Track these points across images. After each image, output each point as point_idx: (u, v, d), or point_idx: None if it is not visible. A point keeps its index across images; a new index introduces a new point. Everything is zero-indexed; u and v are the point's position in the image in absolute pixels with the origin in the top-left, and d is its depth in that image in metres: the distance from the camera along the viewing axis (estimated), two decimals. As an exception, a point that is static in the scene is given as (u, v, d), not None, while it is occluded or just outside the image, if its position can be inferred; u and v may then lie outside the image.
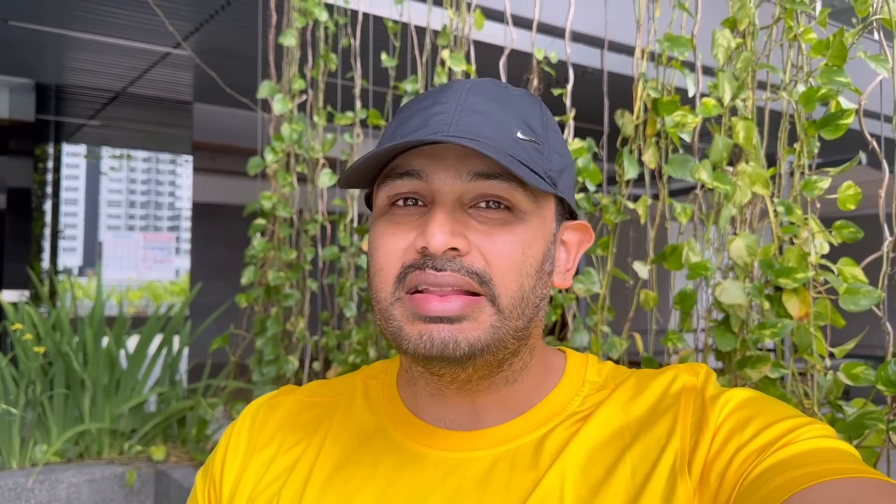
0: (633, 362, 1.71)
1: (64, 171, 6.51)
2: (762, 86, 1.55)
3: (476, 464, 0.64)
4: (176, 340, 3.33)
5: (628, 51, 1.77)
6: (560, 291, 1.77)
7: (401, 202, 0.64)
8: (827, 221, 1.38)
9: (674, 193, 1.66)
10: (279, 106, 2.55)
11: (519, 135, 0.63)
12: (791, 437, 0.56)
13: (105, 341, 3.08)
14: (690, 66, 1.62)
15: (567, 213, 0.70)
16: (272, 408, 0.75)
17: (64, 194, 6.06)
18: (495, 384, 0.66)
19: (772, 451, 0.55)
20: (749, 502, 0.53)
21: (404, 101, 2.34)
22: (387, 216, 0.64)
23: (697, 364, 0.68)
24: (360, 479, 0.66)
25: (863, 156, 1.37)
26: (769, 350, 1.40)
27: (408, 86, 2.35)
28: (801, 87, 1.36)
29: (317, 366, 2.68)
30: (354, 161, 0.63)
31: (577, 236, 0.71)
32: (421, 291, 0.61)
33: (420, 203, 0.63)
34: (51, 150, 6.65)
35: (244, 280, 2.65)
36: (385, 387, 0.73)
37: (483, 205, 0.62)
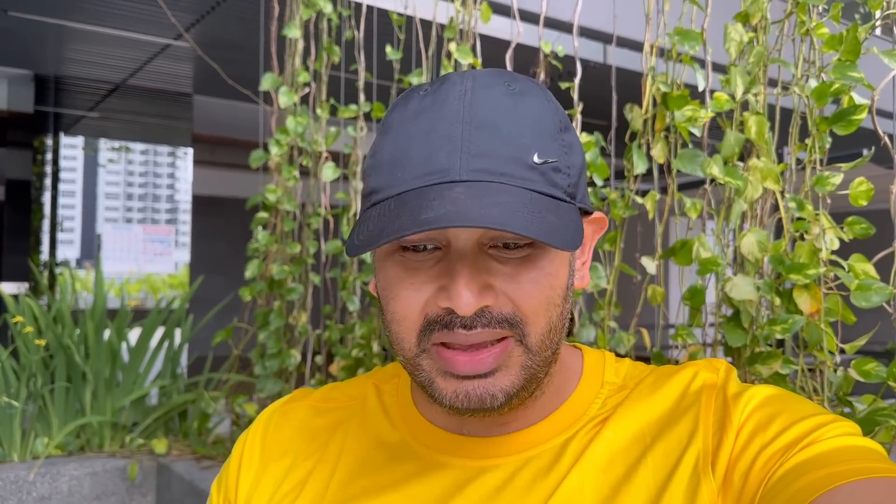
0: (641, 357, 1.70)
1: (62, 163, 6.50)
2: (773, 83, 1.54)
3: (497, 471, 0.63)
4: (177, 334, 3.32)
5: (635, 45, 1.77)
6: (567, 286, 1.76)
7: (411, 246, 0.59)
8: (836, 216, 1.38)
9: (682, 187, 1.65)
10: (284, 99, 2.54)
11: (535, 158, 0.58)
12: (815, 435, 0.55)
13: (107, 334, 3.07)
14: (700, 62, 1.61)
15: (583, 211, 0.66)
16: (285, 415, 0.74)
17: (62, 186, 6.05)
18: (524, 404, 0.64)
19: (796, 450, 0.54)
20: (774, 502, 0.52)
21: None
22: (397, 257, 0.59)
23: (717, 360, 0.67)
24: (378, 488, 0.65)
25: (864, 151, 1.36)
26: (778, 345, 1.40)
27: (413, 79, 2.34)
28: (812, 83, 1.35)
29: (319, 360, 2.68)
30: (372, 239, 0.56)
31: (592, 228, 0.69)
32: (447, 343, 0.58)
33: (432, 246, 0.58)
34: (50, 141, 6.63)
35: (248, 274, 2.64)
36: (399, 392, 0.72)
37: (500, 243, 0.58)
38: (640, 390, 0.65)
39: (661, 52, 1.66)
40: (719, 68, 1.56)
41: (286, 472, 0.69)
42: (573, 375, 0.68)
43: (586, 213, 0.67)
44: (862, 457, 0.52)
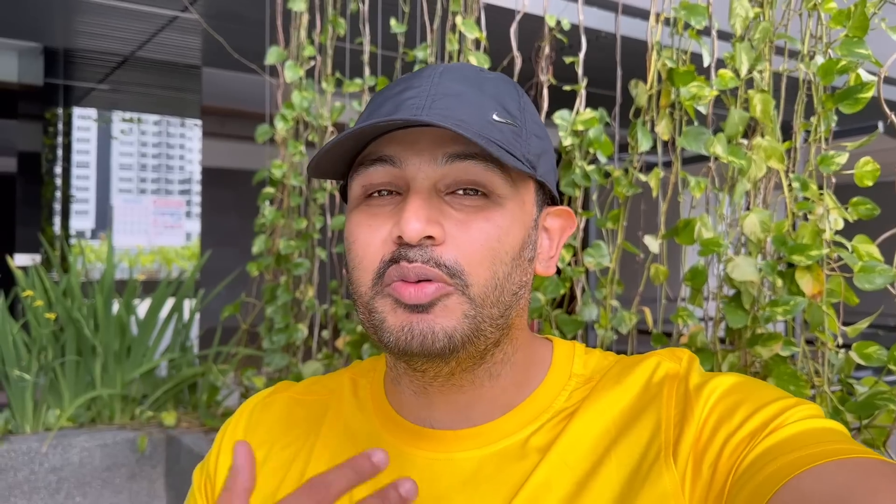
0: (643, 331, 1.70)
1: (76, 135, 6.53)
2: (780, 51, 1.51)
3: (463, 465, 0.63)
4: (186, 306, 3.34)
5: (643, 14, 1.73)
6: (569, 264, 1.75)
7: (375, 193, 0.63)
8: (840, 187, 1.35)
9: (687, 161, 1.63)
10: (290, 73, 2.52)
11: (494, 116, 0.62)
12: (780, 420, 0.56)
13: (116, 307, 3.10)
14: (706, 31, 1.58)
15: (548, 198, 0.69)
16: (266, 406, 0.75)
17: (76, 157, 6.10)
18: (479, 378, 0.65)
19: (762, 436, 0.55)
20: (745, 490, 0.53)
21: (415, 68, 2.30)
22: (362, 206, 0.63)
23: (679, 349, 0.67)
24: None
25: (880, 124, 1.33)
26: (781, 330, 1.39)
27: (418, 53, 2.31)
28: (819, 59, 1.33)
29: (326, 334, 2.69)
30: (322, 146, 0.61)
31: (560, 222, 0.70)
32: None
33: (396, 193, 0.62)
34: (60, 113, 6.63)
35: (255, 249, 2.65)
36: (373, 385, 0.73)
37: (460, 192, 0.61)
38: (604, 383, 0.66)
39: (668, 22, 1.63)
40: (725, 36, 1.52)
41: (263, 463, 0.70)
42: (542, 367, 0.69)
43: (552, 202, 0.69)
44: (827, 439, 0.54)
